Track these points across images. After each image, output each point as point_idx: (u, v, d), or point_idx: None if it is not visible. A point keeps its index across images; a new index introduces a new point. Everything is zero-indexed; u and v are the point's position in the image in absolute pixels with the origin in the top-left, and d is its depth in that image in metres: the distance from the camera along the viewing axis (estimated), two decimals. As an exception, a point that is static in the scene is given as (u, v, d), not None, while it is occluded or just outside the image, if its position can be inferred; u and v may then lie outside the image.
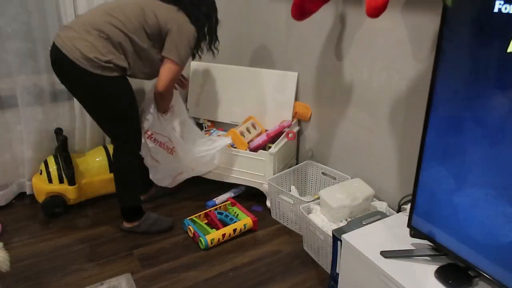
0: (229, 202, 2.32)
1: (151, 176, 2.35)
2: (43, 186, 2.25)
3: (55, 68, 1.85)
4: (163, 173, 2.36)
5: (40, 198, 2.26)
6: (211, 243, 2.02)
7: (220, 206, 2.31)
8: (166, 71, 1.92)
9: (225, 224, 2.14)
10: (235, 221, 2.14)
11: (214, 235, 2.04)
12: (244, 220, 2.14)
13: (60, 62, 1.79)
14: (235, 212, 2.24)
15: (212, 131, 2.67)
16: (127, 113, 1.95)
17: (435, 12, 1.59)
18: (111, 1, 1.93)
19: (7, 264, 1.87)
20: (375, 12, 1.52)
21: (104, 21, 1.80)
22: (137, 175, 2.06)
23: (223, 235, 2.06)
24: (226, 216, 2.19)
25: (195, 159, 2.27)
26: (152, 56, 1.93)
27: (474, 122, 1.13)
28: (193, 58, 2.12)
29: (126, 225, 2.14)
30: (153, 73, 2.00)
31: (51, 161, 2.28)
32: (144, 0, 1.91)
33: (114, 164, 2.08)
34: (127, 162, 2.01)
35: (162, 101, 2.08)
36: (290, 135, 2.34)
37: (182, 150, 2.22)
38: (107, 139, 2.50)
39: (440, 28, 1.19)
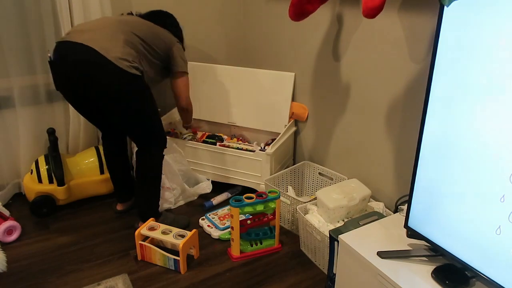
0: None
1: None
2: (32, 186, 2.24)
3: (76, 69, 1.73)
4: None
5: (30, 198, 2.26)
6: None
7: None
8: (183, 86, 2.03)
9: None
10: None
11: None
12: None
13: (88, 63, 1.70)
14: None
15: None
16: (153, 112, 1.94)
17: (431, 13, 1.60)
18: (112, 16, 1.97)
19: (4, 264, 1.87)
20: (371, 13, 1.52)
21: (123, 30, 1.81)
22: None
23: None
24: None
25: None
26: (157, 71, 1.99)
27: (471, 123, 1.13)
28: None
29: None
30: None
31: (42, 161, 2.26)
32: (142, 21, 1.97)
33: (139, 167, 2.01)
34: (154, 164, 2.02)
35: (188, 114, 2.20)
36: None
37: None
38: (101, 140, 2.47)
39: (437, 29, 1.19)
